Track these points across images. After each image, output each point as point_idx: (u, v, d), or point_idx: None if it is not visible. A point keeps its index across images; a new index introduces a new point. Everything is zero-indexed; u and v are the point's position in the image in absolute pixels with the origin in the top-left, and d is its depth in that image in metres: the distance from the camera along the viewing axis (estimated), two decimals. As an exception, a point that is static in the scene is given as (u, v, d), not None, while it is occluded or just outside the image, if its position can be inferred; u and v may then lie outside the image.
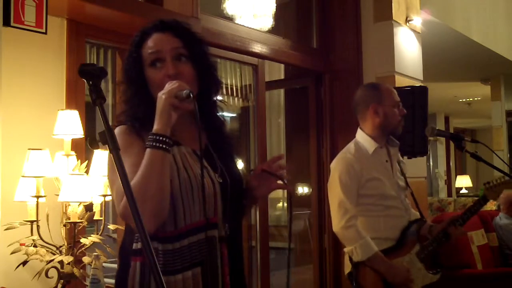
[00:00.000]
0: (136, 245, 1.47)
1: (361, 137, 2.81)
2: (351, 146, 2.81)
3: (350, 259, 2.71)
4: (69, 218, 2.40)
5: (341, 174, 2.69)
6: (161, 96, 1.43)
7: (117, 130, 1.51)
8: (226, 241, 1.53)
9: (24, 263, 2.33)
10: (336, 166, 2.76)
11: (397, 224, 2.76)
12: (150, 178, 1.38)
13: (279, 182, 1.60)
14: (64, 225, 2.44)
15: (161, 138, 1.41)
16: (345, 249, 2.70)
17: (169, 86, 1.44)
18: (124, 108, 1.59)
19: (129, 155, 1.45)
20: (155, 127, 1.42)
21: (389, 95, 2.78)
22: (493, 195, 2.76)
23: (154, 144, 1.40)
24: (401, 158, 2.95)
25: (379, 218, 2.71)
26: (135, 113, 1.54)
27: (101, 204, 2.53)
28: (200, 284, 1.47)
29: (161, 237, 1.45)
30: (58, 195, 2.40)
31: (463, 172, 13.85)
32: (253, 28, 4.06)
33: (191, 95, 1.41)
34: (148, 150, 1.41)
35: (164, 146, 1.41)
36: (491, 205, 8.42)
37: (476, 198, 2.88)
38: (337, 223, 2.68)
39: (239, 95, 4.27)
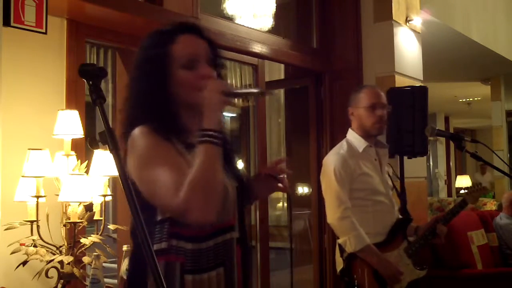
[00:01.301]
0: (160, 245, 1.48)
1: (352, 136, 2.93)
2: (343, 143, 2.92)
3: (342, 253, 2.78)
4: (69, 218, 2.40)
5: (336, 168, 2.79)
6: (213, 94, 1.47)
7: (141, 131, 1.51)
8: (239, 242, 1.60)
9: (24, 263, 2.32)
10: (330, 161, 2.86)
11: (386, 220, 2.87)
12: (210, 172, 1.42)
13: (280, 185, 1.69)
14: (64, 225, 2.43)
15: (215, 133, 1.45)
16: (339, 240, 2.77)
17: (216, 84, 1.49)
18: (136, 108, 1.58)
19: (165, 158, 1.47)
20: (208, 123, 1.46)
21: (364, 98, 2.89)
22: (472, 200, 3.04)
23: (209, 139, 1.44)
24: (388, 161, 3.04)
25: (368, 213, 2.80)
26: (159, 114, 1.54)
27: (101, 204, 2.52)
28: (222, 283, 1.54)
29: (188, 236, 1.49)
30: (58, 195, 2.40)
31: (463, 172, 13.85)
32: (253, 28, 4.06)
33: (264, 92, 1.52)
34: (204, 145, 1.44)
35: (218, 141, 1.45)
36: (491, 205, 8.44)
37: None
38: (332, 214, 2.77)
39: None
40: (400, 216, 2.98)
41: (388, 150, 3.01)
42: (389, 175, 2.99)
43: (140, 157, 1.50)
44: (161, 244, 1.48)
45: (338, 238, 2.78)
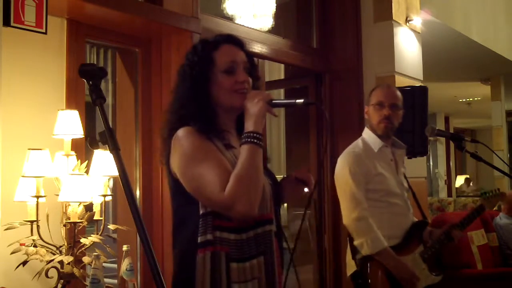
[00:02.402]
0: (205, 237, 1.62)
1: (367, 135, 2.85)
2: (358, 142, 2.84)
3: (354, 255, 2.70)
4: (69, 218, 2.40)
5: (351, 167, 2.71)
6: (258, 102, 1.65)
7: (185, 131, 1.66)
8: (276, 235, 1.74)
9: (24, 263, 2.32)
10: (345, 160, 2.77)
11: (401, 222, 2.79)
12: (253, 169, 1.59)
13: (306, 189, 1.84)
14: (64, 225, 2.43)
15: (259, 136, 1.63)
16: (355, 242, 2.67)
17: (262, 94, 1.68)
18: (180, 111, 1.72)
19: (210, 155, 1.62)
20: (252, 126, 1.64)
21: (374, 95, 2.84)
22: (490, 205, 3.04)
23: (253, 140, 1.62)
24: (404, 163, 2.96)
25: (383, 214, 2.71)
26: (201, 115, 1.69)
27: (101, 204, 2.52)
28: (263, 271, 1.68)
29: (230, 228, 1.63)
30: (58, 195, 2.40)
31: (463, 172, 13.86)
32: (253, 28, 4.06)
33: (309, 103, 1.68)
34: (249, 145, 1.61)
35: (261, 143, 1.63)
36: (491, 205, 8.43)
37: (477, 198, 3.05)
38: (348, 215, 2.68)
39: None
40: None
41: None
42: (405, 176, 2.90)
43: (185, 155, 1.64)
44: (206, 236, 1.63)
45: (354, 239, 2.69)
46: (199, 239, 1.63)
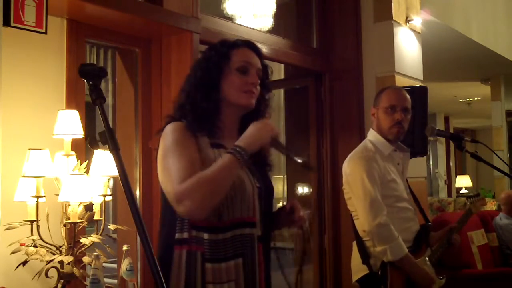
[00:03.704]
0: (181, 235, 1.64)
1: (375, 137, 2.77)
2: (368, 145, 2.74)
3: (365, 260, 2.64)
4: (69, 218, 2.40)
5: (369, 171, 2.61)
6: (265, 132, 1.66)
7: (173, 126, 1.68)
8: (262, 240, 1.72)
9: (24, 263, 2.32)
10: (359, 164, 2.67)
11: (411, 227, 2.75)
12: (224, 178, 1.58)
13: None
14: (64, 225, 2.43)
15: (244, 153, 1.60)
16: (377, 249, 2.58)
17: (272, 129, 1.68)
18: (184, 101, 1.76)
19: (185, 151, 1.63)
20: (244, 144, 1.62)
21: (384, 98, 2.74)
22: (475, 209, 3.10)
23: (236, 154, 1.59)
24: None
25: (394, 220, 2.63)
26: (200, 110, 1.71)
27: (101, 204, 2.52)
28: (241, 274, 1.66)
29: (205, 227, 1.64)
30: (58, 195, 2.40)
31: (463, 172, 13.86)
32: (253, 28, 4.06)
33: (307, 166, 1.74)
34: (229, 155, 1.60)
35: (243, 159, 1.60)
36: (491, 205, 8.45)
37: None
38: (370, 221, 2.57)
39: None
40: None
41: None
42: (406, 180, 2.85)
43: (164, 149, 1.67)
44: (183, 234, 1.64)
45: (375, 246, 2.58)
46: (176, 236, 1.65)
